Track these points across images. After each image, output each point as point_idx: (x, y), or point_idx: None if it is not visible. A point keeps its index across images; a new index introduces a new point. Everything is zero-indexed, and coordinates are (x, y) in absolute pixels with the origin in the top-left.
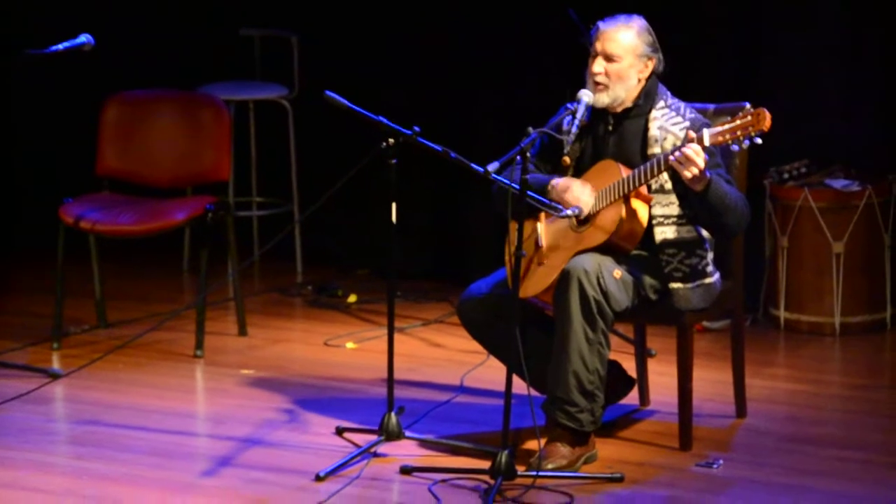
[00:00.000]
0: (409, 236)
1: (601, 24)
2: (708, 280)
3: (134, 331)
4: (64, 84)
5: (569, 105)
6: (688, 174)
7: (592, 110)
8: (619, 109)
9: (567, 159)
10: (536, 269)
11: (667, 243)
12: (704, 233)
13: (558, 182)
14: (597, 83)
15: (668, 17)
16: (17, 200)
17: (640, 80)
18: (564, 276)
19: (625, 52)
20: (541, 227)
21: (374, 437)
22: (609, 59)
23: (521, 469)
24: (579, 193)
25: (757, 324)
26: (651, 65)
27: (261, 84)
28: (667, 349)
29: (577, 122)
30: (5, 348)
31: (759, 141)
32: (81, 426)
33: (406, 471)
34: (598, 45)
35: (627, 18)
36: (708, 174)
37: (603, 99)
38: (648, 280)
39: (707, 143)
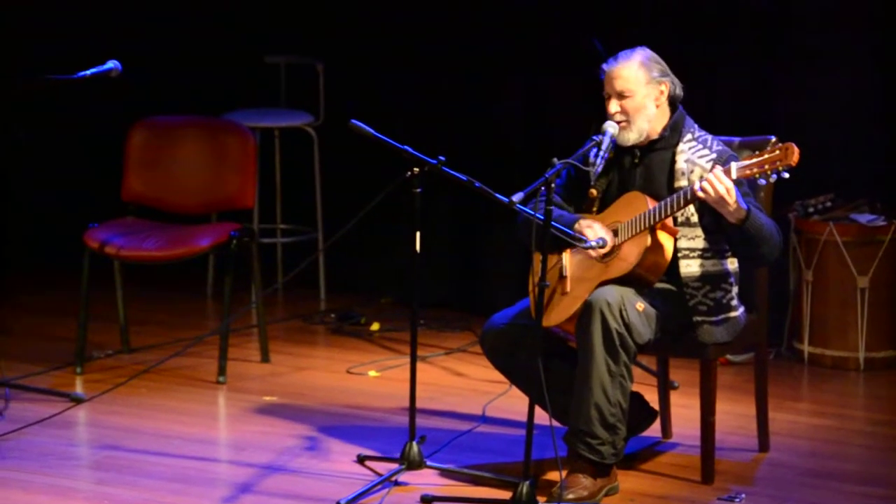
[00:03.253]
0: (432, 265)
1: (605, 67)
2: (733, 314)
3: (157, 356)
4: (91, 109)
5: (594, 137)
6: (713, 201)
7: (618, 143)
8: (645, 142)
9: (594, 191)
10: (560, 299)
11: (691, 277)
12: (730, 266)
13: (584, 221)
14: (618, 122)
15: (688, 51)
16: (42, 225)
17: (658, 107)
18: (587, 308)
19: (634, 84)
20: (566, 257)
21: (395, 466)
22: (621, 96)
23: (542, 500)
24: (601, 233)
25: (781, 358)
26: (665, 89)
27: (286, 111)
28: (690, 382)
29: (602, 153)
30: (28, 372)
31: (786, 175)
32: (103, 451)
33: (427, 500)
34: (608, 88)
35: (629, 52)
36: (745, 206)
37: (629, 136)
38: (672, 313)
39: (735, 175)
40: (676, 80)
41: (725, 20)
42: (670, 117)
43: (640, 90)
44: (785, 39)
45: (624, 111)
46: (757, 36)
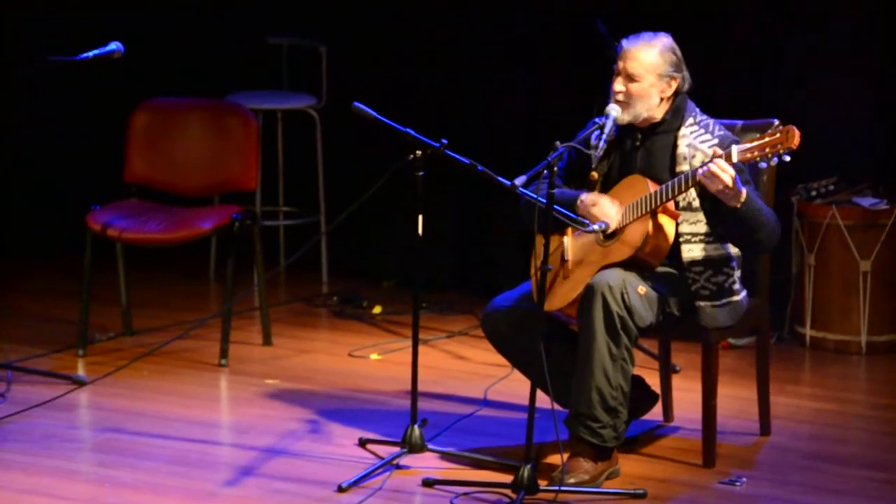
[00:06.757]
0: (434, 248)
1: (625, 43)
2: (735, 298)
3: (159, 339)
4: (94, 91)
5: (597, 119)
6: (714, 188)
7: (620, 125)
8: (645, 125)
9: (595, 174)
10: (562, 282)
11: (694, 261)
12: (732, 251)
13: (587, 197)
14: (618, 101)
15: (692, 34)
16: (44, 207)
17: (663, 100)
18: (589, 292)
19: (645, 71)
20: (567, 240)
21: (396, 449)
22: (630, 78)
23: (543, 483)
24: (608, 209)
25: (782, 341)
26: (674, 84)
27: (289, 94)
28: (691, 365)
29: (604, 136)
30: (31, 354)
31: (787, 158)
32: (105, 434)
33: (428, 483)
34: (621, 64)
35: (651, 37)
36: (742, 189)
37: (623, 117)
38: (674, 297)
39: (735, 159)
40: (688, 76)
41: (729, 4)
42: (672, 103)
43: (649, 78)
44: (786, 25)
45: (627, 93)
46: (760, 21)
